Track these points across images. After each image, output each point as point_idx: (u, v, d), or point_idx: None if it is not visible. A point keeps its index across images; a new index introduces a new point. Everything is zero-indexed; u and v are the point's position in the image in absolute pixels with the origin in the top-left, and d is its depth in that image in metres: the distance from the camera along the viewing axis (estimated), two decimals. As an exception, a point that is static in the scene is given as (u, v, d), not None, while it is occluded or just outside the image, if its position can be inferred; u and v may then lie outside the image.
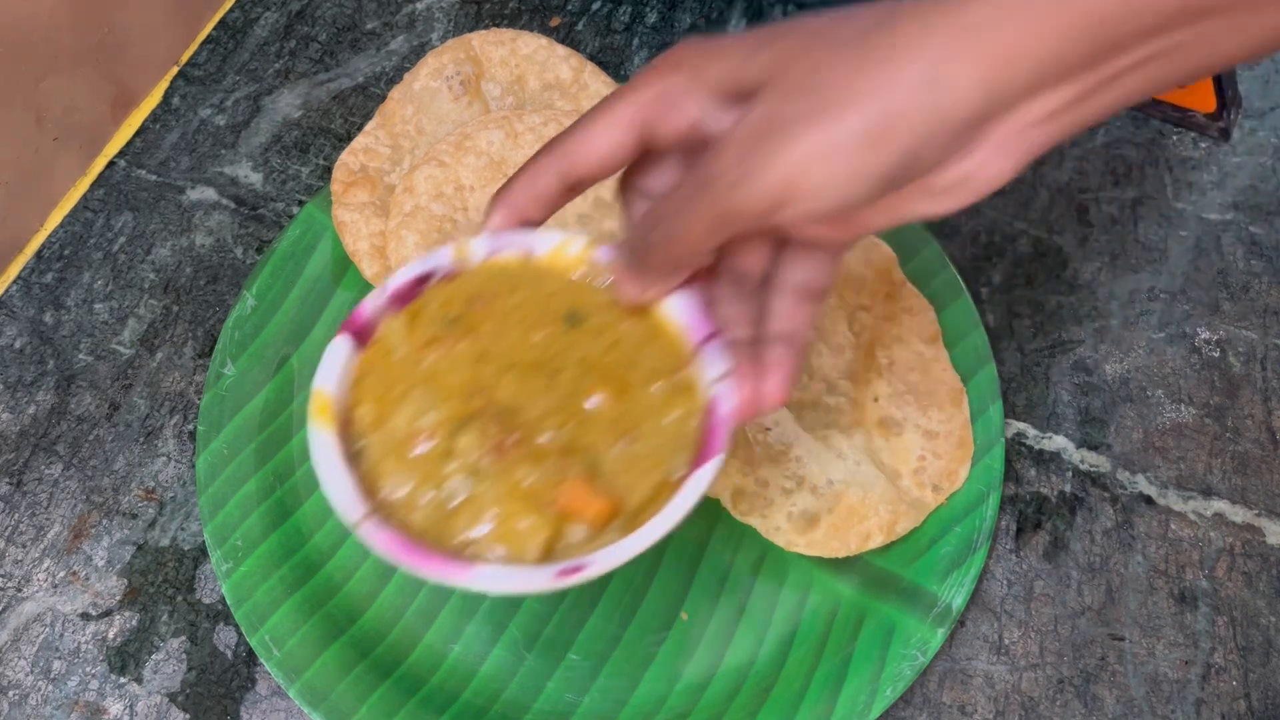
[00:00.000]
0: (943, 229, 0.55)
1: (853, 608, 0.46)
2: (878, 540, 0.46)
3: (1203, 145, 0.57)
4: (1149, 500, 0.47)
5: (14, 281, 0.55)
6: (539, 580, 0.33)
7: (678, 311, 0.38)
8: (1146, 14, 0.30)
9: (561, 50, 0.58)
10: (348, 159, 0.55)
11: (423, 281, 0.39)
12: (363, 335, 0.38)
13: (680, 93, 0.35)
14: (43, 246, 0.56)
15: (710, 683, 0.45)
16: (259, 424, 0.50)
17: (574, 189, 0.38)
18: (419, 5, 0.64)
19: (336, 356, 0.37)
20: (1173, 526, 0.47)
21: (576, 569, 0.33)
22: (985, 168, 0.34)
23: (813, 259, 0.38)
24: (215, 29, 0.64)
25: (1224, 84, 0.55)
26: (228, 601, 0.45)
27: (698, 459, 0.36)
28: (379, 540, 0.34)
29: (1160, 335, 0.51)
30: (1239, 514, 0.47)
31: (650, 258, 0.37)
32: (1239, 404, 0.49)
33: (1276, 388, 0.50)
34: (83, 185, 0.58)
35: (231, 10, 0.64)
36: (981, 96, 0.31)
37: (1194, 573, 0.46)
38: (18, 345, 0.53)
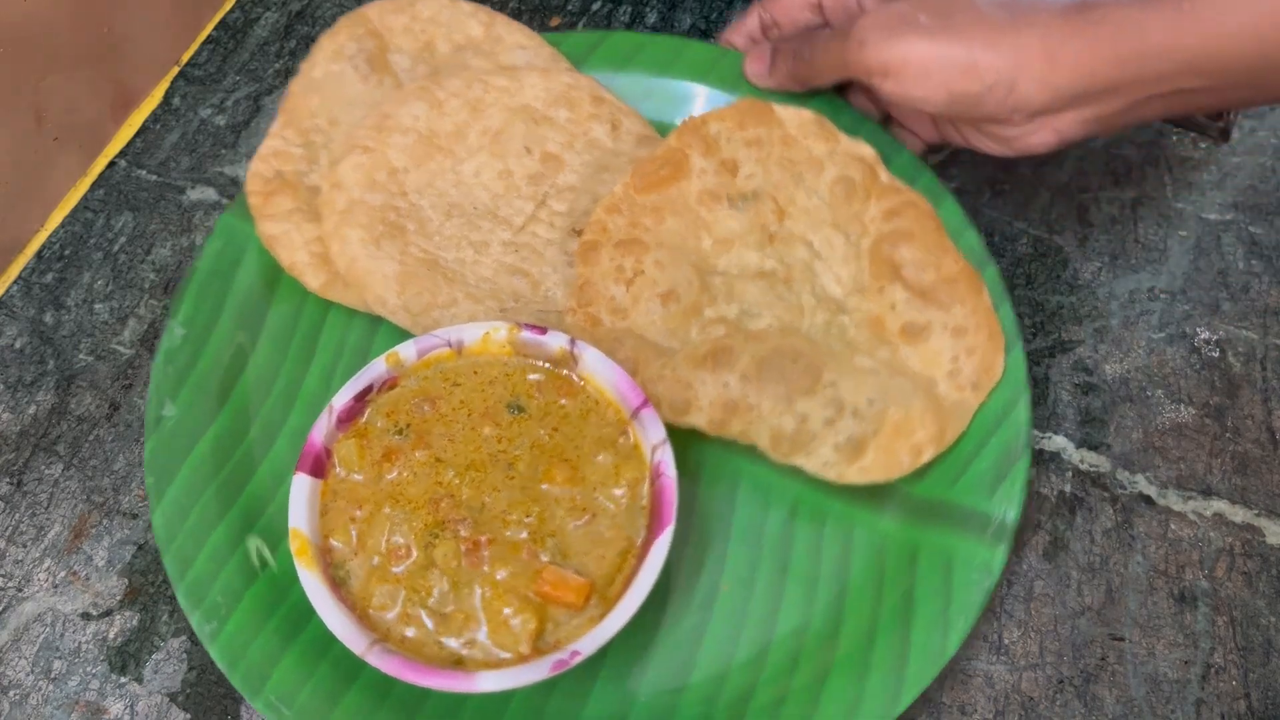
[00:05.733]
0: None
1: (903, 544, 0.43)
2: (930, 453, 0.44)
3: (1203, 145, 0.57)
4: (1149, 500, 0.47)
5: (14, 281, 0.55)
6: (537, 674, 0.37)
7: (608, 383, 0.42)
8: (1159, 64, 0.41)
9: (467, 6, 0.54)
10: (258, 167, 0.50)
11: (364, 395, 0.42)
12: (319, 465, 0.41)
13: None
14: (43, 246, 0.56)
15: (769, 653, 0.42)
16: (215, 463, 0.45)
17: (768, 28, 0.55)
18: (419, 5, 0.64)
19: (301, 494, 0.40)
20: (1172, 526, 0.47)
21: (571, 656, 0.37)
22: (1029, 138, 0.46)
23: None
24: (215, 29, 0.64)
25: (1224, 84, 0.55)
26: (220, 666, 0.41)
27: (654, 523, 0.40)
28: (386, 666, 0.37)
29: (1160, 335, 0.51)
30: (1239, 514, 0.47)
31: (785, 65, 0.51)
32: (1239, 404, 0.49)
33: (1276, 388, 0.50)
34: (83, 185, 0.58)
35: (231, 10, 0.64)
36: (1045, 99, 0.43)
37: (1194, 573, 0.46)
38: (18, 345, 0.53)
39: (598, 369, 0.43)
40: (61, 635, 0.45)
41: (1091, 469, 0.48)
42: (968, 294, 0.46)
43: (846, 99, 0.53)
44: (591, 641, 0.38)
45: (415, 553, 0.40)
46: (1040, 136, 0.45)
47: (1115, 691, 0.43)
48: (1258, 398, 0.50)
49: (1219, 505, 0.47)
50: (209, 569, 0.43)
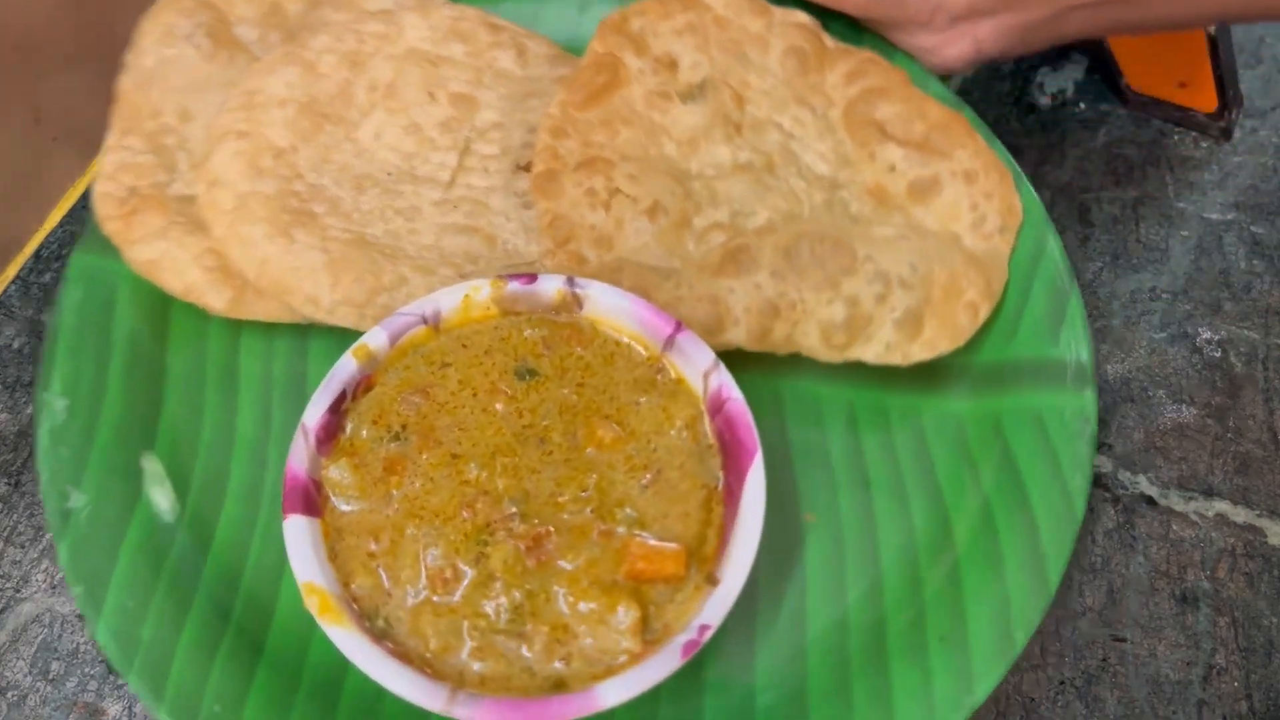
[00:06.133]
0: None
1: (981, 420, 0.40)
2: (985, 309, 0.40)
3: (1204, 145, 0.57)
4: (1150, 501, 0.47)
5: (13, 281, 0.55)
6: (667, 665, 0.31)
7: (627, 317, 0.37)
8: None
9: None
10: (105, 187, 0.42)
11: (339, 405, 0.36)
12: (310, 502, 0.34)
13: None
14: (41, 246, 0.56)
15: (883, 577, 0.38)
16: (156, 551, 0.38)
17: None
18: (419, 5, 0.64)
19: (300, 539, 0.33)
20: (1174, 527, 0.47)
21: (700, 633, 0.32)
22: (947, 48, 0.44)
23: None
24: (215, 29, 0.64)
25: (1225, 83, 0.54)
26: None
27: (732, 459, 0.35)
28: (481, 715, 0.31)
29: (1162, 335, 0.51)
30: (1240, 514, 0.47)
31: None
32: (1241, 404, 0.49)
33: (1278, 388, 0.50)
34: (81, 185, 0.58)
35: (231, 10, 0.64)
36: (966, 2, 0.42)
37: (1195, 573, 0.45)
38: (16, 345, 0.53)
39: (610, 304, 0.37)
40: (59, 637, 0.45)
41: (1093, 469, 0.48)
42: (964, 137, 0.43)
43: None
44: (716, 610, 0.32)
45: (466, 570, 0.33)
46: (959, 48, 0.43)
47: (1117, 693, 0.43)
48: (1259, 398, 0.49)
49: (1221, 506, 0.47)
50: (191, 678, 0.35)
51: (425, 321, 0.37)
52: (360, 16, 0.45)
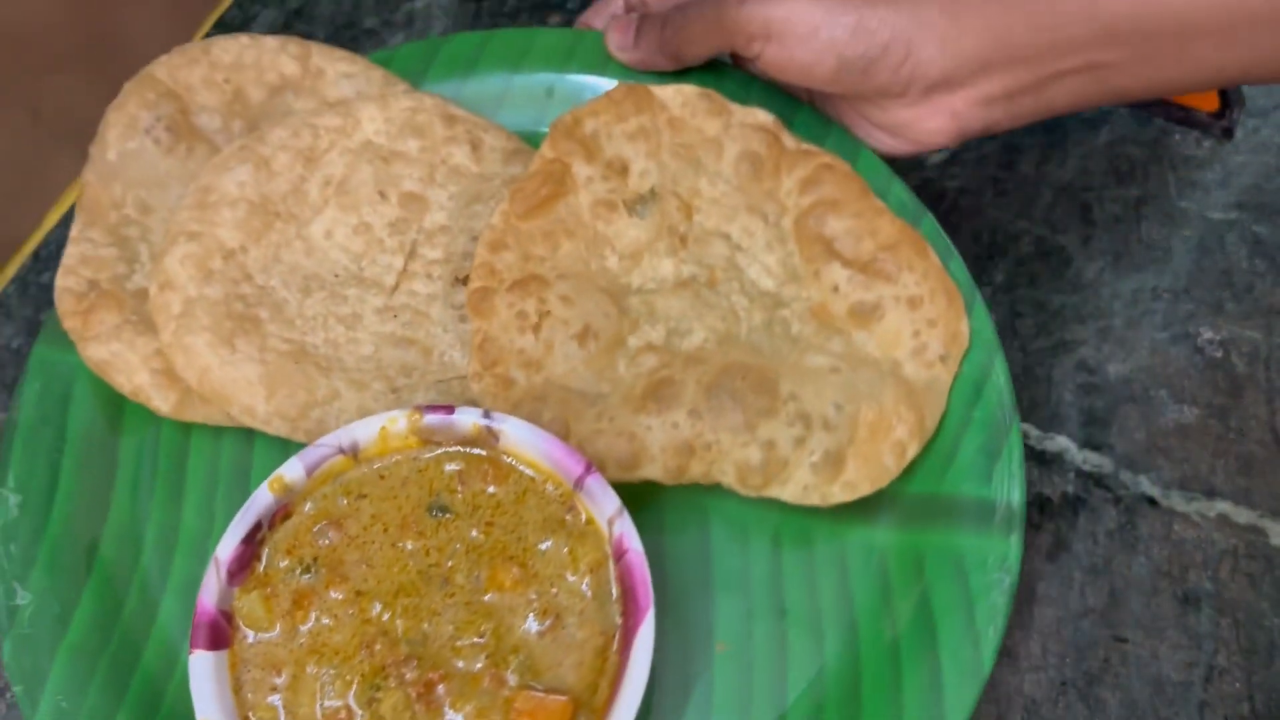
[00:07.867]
0: (944, 228, 0.55)
1: (905, 554, 0.39)
2: (914, 448, 0.39)
3: (1206, 144, 0.57)
4: (1152, 501, 0.47)
5: (11, 281, 0.55)
6: None
7: (541, 454, 0.37)
8: (1076, 26, 0.38)
9: (272, 41, 0.47)
10: (67, 282, 0.42)
11: (255, 535, 0.35)
12: (218, 634, 0.34)
13: None
14: (40, 246, 0.56)
15: (788, 715, 0.37)
16: (92, 652, 0.38)
17: (634, 7, 0.49)
18: (417, 3, 0.64)
19: (204, 675, 0.33)
20: (1176, 528, 0.46)
21: None
22: (925, 122, 0.42)
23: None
24: (214, 28, 0.63)
25: (1227, 82, 0.54)
26: None
27: (629, 606, 0.34)
28: None
29: (1163, 335, 0.51)
30: (1242, 515, 0.47)
31: (653, 33, 0.46)
32: (1243, 404, 0.49)
33: (1280, 388, 0.50)
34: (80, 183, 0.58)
35: (230, 9, 0.64)
36: (945, 65, 0.39)
37: (1197, 574, 0.45)
38: (14, 345, 0.53)
39: (525, 440, 0.37)
40: None
41: (1094, 469, 0.48)
42: (913, 258, 0.42)
43: None
44: None
45: (358, 713, 0.33)
46: (936, 123, 0.42)
47: (1118, 694, 0.43)
48: (1261, 398, 0.49)
49: (1223, 506, 0.47)
50: None
51: (343, 452, 0.37)
52: (319, 109, 0.45)
